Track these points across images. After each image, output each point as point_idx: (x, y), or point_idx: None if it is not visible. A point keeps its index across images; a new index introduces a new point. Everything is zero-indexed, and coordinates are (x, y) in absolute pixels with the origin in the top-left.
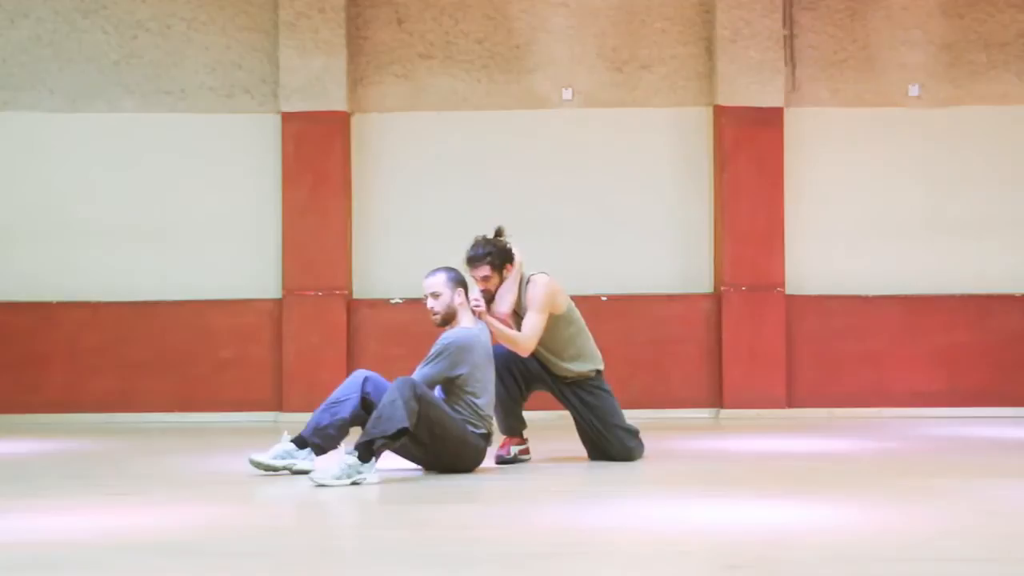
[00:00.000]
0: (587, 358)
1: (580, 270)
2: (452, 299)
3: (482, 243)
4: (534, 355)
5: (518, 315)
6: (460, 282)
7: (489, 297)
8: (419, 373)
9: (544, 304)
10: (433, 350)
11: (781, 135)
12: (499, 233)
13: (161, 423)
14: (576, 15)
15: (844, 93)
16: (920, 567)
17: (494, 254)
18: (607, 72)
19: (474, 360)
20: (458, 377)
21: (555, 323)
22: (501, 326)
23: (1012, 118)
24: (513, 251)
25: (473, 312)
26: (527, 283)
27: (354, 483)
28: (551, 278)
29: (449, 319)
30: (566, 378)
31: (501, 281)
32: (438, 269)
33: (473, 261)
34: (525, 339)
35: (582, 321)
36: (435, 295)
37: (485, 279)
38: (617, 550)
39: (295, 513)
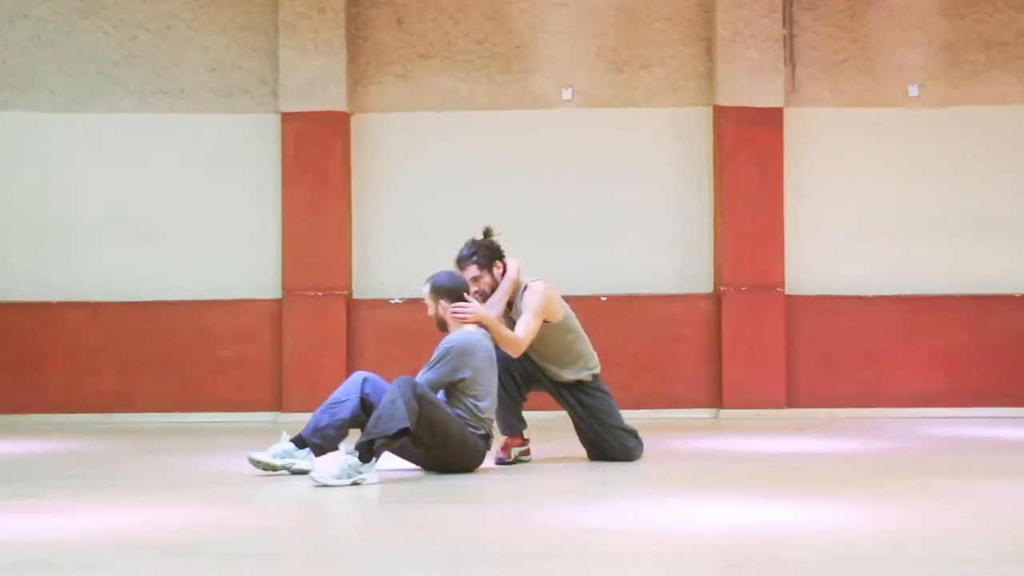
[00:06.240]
0: (584, 364)
1: (580, 270)
2: (436, 309)
3: (468, 244)
4: (532, 363)
5: (512, 321)
6: (442, 293)
7: (483, 298)
8: (422, 378)
9: (539, 308)
10: (435, 354)
11: (781, 135)
12: (487, 234)
13: (161, 423)
14: (576, 15)
15: (844, 93)
16: (920, 567)
17: (479, 253)
18: (607, 72)
19: (476, 364)
20: (461, 381)
21: (552, 332)
22: (495, 323)
23: (1012, 118)
24: (501, 247)
25: (455, 319)
26: (524, 290)
27: (354, 483)
28: (548, 284)
29: (444, 325)
30: (564, 382)
31: (494, 280)
32: (427, 279)
33: (460, 263)
34: (517, 339)
35: (580, 328)
36: (426, 305)
37: (475, 279)
38: (617, 550)
39: (295, 513)
